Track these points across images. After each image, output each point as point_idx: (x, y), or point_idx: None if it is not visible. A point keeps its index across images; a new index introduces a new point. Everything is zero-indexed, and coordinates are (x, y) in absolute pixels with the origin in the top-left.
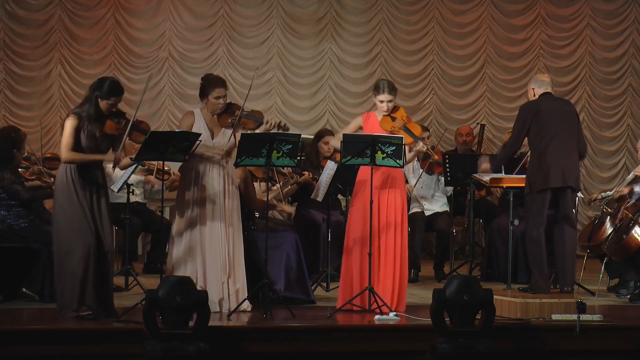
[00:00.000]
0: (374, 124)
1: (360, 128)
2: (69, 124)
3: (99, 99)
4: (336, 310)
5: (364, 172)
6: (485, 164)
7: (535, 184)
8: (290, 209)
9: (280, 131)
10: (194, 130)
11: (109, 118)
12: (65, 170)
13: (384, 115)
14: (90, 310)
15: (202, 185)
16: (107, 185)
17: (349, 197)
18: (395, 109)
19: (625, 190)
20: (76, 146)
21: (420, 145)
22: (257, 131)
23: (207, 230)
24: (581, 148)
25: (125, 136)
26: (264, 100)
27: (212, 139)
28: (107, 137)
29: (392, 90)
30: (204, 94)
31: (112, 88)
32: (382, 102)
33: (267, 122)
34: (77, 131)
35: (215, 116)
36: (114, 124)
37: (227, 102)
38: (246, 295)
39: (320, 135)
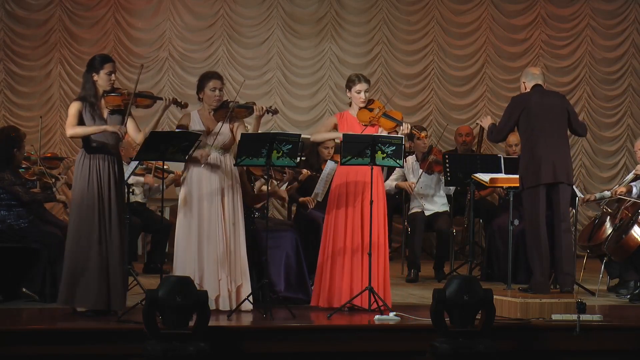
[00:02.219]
0: (350, 120)
1: (335, 126)
2: (73, 107)
3: (95, 76)
4: (336, 310)
5: (339, 177)
6: (487, 120)
7: (527, 181)
8: (284, 193)
9: (270, 115)
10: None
11: (110, 93)
12: (82, 160)
13: (360, 109)
14: (88, 307)
15: (201, 183)
16: (123, 175)
17: None
18: (370, 101)
19: (624, 190)
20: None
21: (404, 127)
22: (249, 123)
23: (205, 226)
24: (579, 130)
25: (130, 104)
26: (264, 100)
27: (208, 135)
28: (114, 116)
29: (367, 80)
30: (200, 88)
31: (101, 58)
32: (359, 92)
33: (256, 108)
34: (80, 114)
35: (212, 113)
36: (116, 96)
37: (225, 99)
38: (250, 293)
39: None
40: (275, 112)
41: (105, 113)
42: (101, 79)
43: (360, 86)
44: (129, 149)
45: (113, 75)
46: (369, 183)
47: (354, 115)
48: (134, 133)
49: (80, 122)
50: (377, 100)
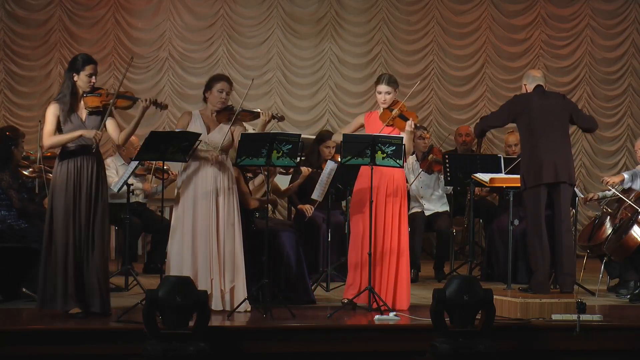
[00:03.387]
0: (374, 118)
1: (362, 126)
2: (49, 111)
3: (75, 76)
4: (336, 310)
5: (362, 181)
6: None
7: (528, 180)
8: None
9: (275, 121)
10: (190, 129)
11: (89, 94)
12: (59, 163)
13: (383, 109)
14: (78, 309)
15: (196, 183)
16: (107, 183)
17: (349, 197)
18: (395, 102)
19: (616, 180)
20: (58, 133)
21: (408, 124)
22: (254, 123)
23: (199, 227)
24: (588, 125)
25: (111, 105)
26: (264, 100)
27: (208, 134)
28: (92, 117)
29: (391, 82)
30: (208, 87)
31: (83, 59)
32: (380, 92)
33: (262, 113)
34: (57, 118)
35: (214, 114)
36: (95, 97)
37: (229, 104)
38: (246, 294)
39: (321, 139)
40: (281, 119)
41: (84, 114)
42: (81, 80)
43: (381, 87)
44: (129, 149)
45: (94, 77)
46: (395, 186)
47: (379, 113)
48: (115, 133)
49: (58, 125)
50: (402, 102)
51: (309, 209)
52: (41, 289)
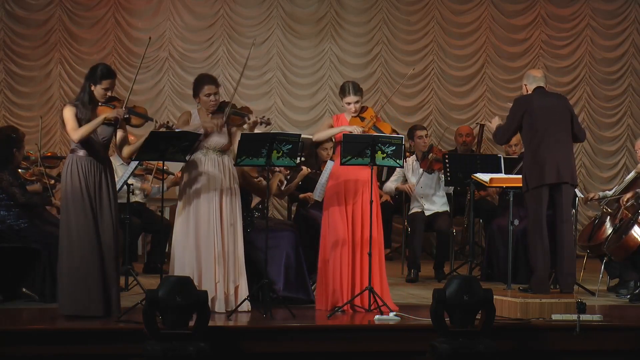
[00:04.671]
0: (344, 124)
1: (332, 127)
2: (67, 111)
3: (92, 86)
4: (336, 310)
5: (334, 177)
6: (495, 121)
7: (531, 181)
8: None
9: (263, 125)
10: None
11: (103, 104)
12: (70, 163)
13: (352, 117)
14: (97, 311)
15: (198, 183)
16: (115, 180)
17: None
18: (363, 109)
19: (631, 195)
20: None
21: None
22: (244, 127)
23: (203, 228)
24: (579, 135)
25: (123, 115)
26: (264, 100)
27: (206, 135)
28: (104, 126)
29: (358, 91)
30: (195, 93)
31: (102, 72)
32: (349, 103)
33: (249, 119)
34: (76, 117)
35: (210, 115)
36: (109, 108)
37: (222, 100)
38: (247, 294)
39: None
40: (268, 122)
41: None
42: (97, 92)
43: (350, 98)
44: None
45: (110, 91)
46: (362, 182)
47: (348, 120)
48: (121, 143)
49: (79, 124)
50: (371, 107)
51: (310, 196)
52: (67, 292)
